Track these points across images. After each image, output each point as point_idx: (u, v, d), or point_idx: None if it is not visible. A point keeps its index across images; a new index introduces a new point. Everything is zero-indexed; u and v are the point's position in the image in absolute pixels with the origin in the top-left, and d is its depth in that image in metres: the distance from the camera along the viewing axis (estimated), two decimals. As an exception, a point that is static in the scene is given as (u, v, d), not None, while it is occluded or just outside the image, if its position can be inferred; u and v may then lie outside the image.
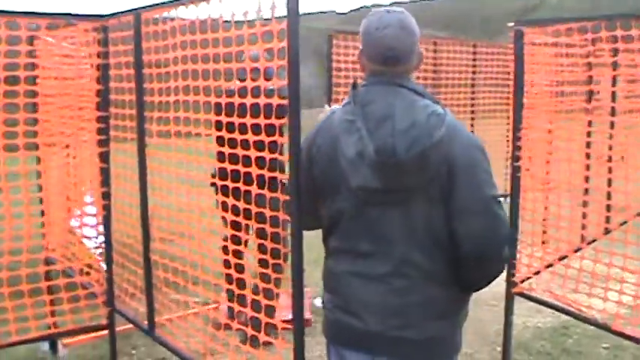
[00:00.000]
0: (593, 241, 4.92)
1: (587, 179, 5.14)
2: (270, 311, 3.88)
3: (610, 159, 5.44)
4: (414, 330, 2.39)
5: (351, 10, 47.10)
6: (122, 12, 3.78)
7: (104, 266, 4.23)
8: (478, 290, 2.51)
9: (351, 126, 2.34)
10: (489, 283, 2.47)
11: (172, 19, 3.37)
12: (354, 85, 2.44)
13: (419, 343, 2.39)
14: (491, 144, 7.54)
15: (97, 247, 4.39)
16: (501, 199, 2.43)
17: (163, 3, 3.36)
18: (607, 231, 5.39)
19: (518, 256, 4.27)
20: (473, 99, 8.34)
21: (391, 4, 47.74)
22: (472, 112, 8.38)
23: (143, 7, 3.55)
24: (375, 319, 2.41)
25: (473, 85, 8.40)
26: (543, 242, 5.32)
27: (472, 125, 8.37)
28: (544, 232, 5.41)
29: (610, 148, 5.40)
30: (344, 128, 2.37)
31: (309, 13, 44.80)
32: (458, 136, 2.32)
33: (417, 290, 2.38)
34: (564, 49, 4.56)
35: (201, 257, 3.60)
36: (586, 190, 5.13)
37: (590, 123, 5.36)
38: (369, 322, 2.42)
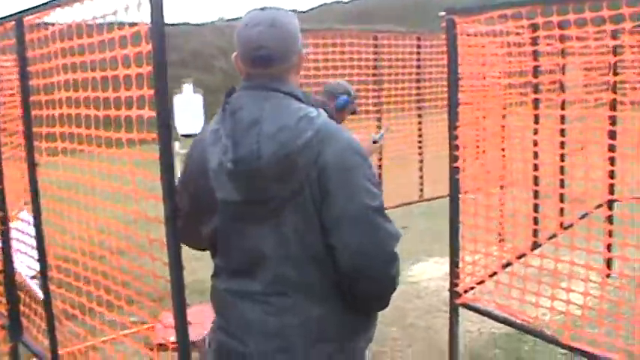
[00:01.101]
0: (554, 236, 4.66)
1: (535, 179, 4.88)
2: None
3: (562, 155, 5.21)
4: (295, 354, 2.19)
5: (312, 8, 46.73)
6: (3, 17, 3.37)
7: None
8: (372, 311, 2.33)
9: (217, 135, 2.19)
10: (380, 303, 2.28)
11: (53, 24, 2.99)
12: (229, 91, 2.26)
13: None
14: (439, 140, 7.23)
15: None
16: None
17: (45, 4, 2.96)
18: (566, 226, 5.14)
19: (460, 264, 3.95)
20: (419, 94, 7.99)
21: (349, 1, 47.58)
22: (418, 107, 8.04)
23: (25, 10, 3.14)
24: (255, 341, 2.22)
25: (418, 80, 8.03)
26: (501, 240, 5.06)
27: (420, 122, 8.05)
28: (500, 233, 5.16)
29: (562, 143, 5.16)
30: (211, 139, 2.20)
31: None
32: (331, 140, 2.12)
33: (296, 310, 2.19)
34: (503, 38, 4.26)
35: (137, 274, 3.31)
36: (535, 190, 4.88)
37: (537, 116, 5.05)
38: (249, 344, 2.23)
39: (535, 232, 4.74)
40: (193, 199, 2.30)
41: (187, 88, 17.35)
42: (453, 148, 3.90)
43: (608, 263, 5.34)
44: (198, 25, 33.26)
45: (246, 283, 2.23)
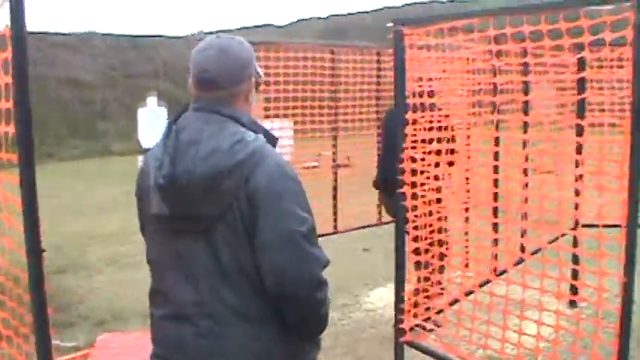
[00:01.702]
0: (519, 262, 4.33)
1: (495, 197, 4.56)
2: None
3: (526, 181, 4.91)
4: None
5: (290, 23, 46.52)
6: None
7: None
8: (304, 336, 2.32)
9: (159, 152, 2.23)
10: (308, 328, 2.29)
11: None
12: (182, 110, 2.34)
13: None
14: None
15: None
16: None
17: None
18: (528, 253, 4.82)
19: (405, 299, 3.60)
20: (378, 112, 7.63)
21: (327, 17, 47.37)
22: (378, 127, 7.69)
23: None
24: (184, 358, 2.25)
25: (378, 98, 7.66)
26: (466, 265, 4.74)
27: (378, 142, 7.70)
28: (467, 260, 4.83)
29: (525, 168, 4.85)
30: (153, 157, 2.25)
31: (246, 27, 44.01)
32: (263, 163, 2.17)
33: (232, 331, 2.21)
34: (454, 53, 3.94)
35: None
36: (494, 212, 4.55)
37: (497, 138, 4.73)
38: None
39: (496, 258, 4.41)
40: (142, 214, 2.39)
41: (152, 100, 16.96)
42: (399, 172, 3.55)
43: (574, 292, 5.06)
44: (171, 37, 32.91)
45: (181, 306, 2.24)
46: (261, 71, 2.45)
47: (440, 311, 3.74)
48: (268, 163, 2.18)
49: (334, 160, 7.38)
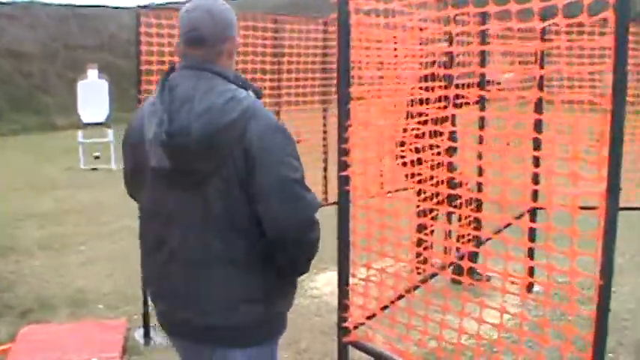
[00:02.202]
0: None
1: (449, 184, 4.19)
2: None
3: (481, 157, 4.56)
4: (218, 317, 2.44)
5: None
6: None
7: None
8: (295, 274, 2.62)
9: (154, 108, 2.40)
10: (303, 266, 2.55)
11: None
12: (170, 69, 2.51)
13: (225, 329, 2.46)
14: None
15: None
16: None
17: None
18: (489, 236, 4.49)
19: (350, 295, 3.20)
20: (325, 85, 7.13)
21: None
22: (324, 101, 7.23)
23: None
24: (181, 306, 2.50)
25: (324, 71, 7.14)
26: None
27: (324, 118, 7.24)
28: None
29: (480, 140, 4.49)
30: (149, 111, 2.43)
31: None
32: (255, 119, 2.35)
33: (217, 275, 2.42)
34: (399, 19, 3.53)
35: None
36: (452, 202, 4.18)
37: (453, 117, 4.35)
38: (176, 309, 2.53)
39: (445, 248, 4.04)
40: (132, 164, 2.60)
41: (92, 73, 16.26)
42: (342, 152, 3.15)
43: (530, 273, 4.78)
44: (116, 8, 31.86)
45: (173, 250, 2.46)
46: (239, 37, 2.64)
47: (385, 307, 3.36)
48: (260, 119, 2.36)
49: None
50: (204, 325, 2.47)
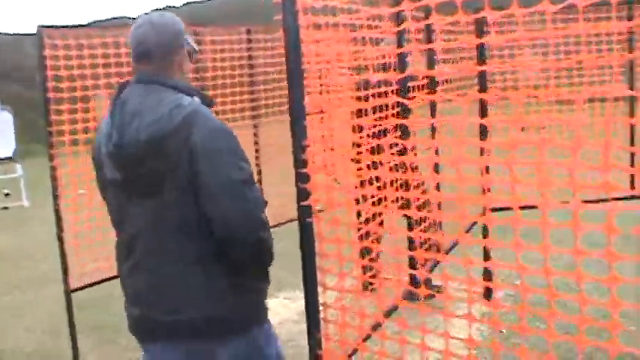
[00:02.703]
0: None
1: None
2: None
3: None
4: (185, 313, 2.53)
5: (185, 3, 44.37)
6: None
7: None
8: (249, 274, 2.60)
9: (107, 124, 2.56)
10: (255, 265, 2.59)
11: None
12: (122, 85, 2.62)
13: (197, 325, 2.53)
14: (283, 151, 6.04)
15: None
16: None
17: None
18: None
19: (323, 326, 2.68)
20: (253, 100, 6.54)
21: (181, 6, 45.23)
22: (254, 117, 6.61)
23: None
24: (148, 307, 2.60)
25: (252, 83, 6.54)
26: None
27: (255, 135, 6.61)
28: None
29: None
30: (104, 129, 2.57)
31: (100, 21, 40.71)
32: (198, 123, 2.44)
33: (178, 276, 2.51)
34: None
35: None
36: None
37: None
38: (148, 311, 2.60)
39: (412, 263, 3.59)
40: (98, 177, 2.72)
41: (-6, 106, 15.23)
42: (300, 164, 2.62)
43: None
44: (15, 35, 30.43)
45: (135, 258, 2.60)
46: (194, 43, 2.71)
47: (367, 336, 2.86)
48: (202, 122, 2.45)
49: None
50: (180, 321, 2.54)
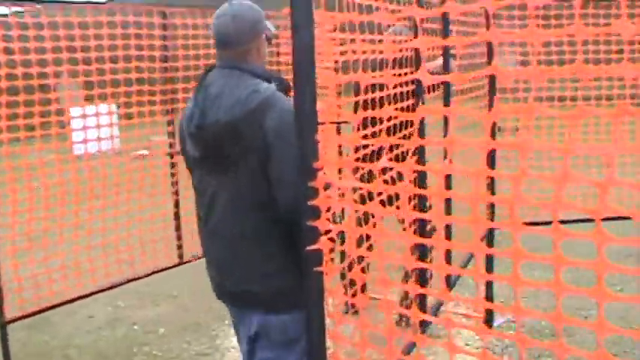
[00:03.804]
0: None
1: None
2: None
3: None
4: (247, 284, 2.72)
5: None
6: None
7: None
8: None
9: (192, 104, 2.75)
10: None
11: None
12: (208, 69, 2.80)
13: (259, 295, 2.70)
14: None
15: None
16: None
17: None
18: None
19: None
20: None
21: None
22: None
23: None
24: (222, 274, 2.81)
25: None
26: None
27: (170, 146, 5.63)
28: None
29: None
30: (189, 107, 2.78)
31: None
32: (273, 108, 2.56)
33: (245, 248, 2.68)
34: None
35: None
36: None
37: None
38: (219, 275, 2.83)
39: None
40: (183, 152, 2.93)
41: None
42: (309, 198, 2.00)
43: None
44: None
45: (210, 224, 2.79)
46: (272, 27, 2.85)
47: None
48: (277, 108, 2.58)
49: (171, 146, 5.57)
50: (240, 291, 2.75)
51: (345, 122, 2.71)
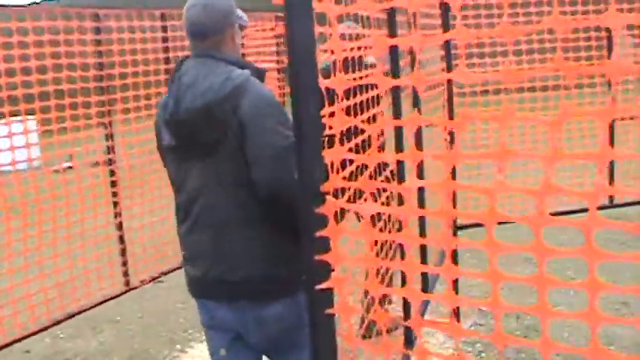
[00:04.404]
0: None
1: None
2: None
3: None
4: (246, 270, 2.64)
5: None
6: None
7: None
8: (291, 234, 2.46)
9: (166, 95, 2.72)
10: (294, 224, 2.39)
11: None
12: (181, 61, 2.77)
13: (249, 284, 2.65)
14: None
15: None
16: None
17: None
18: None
19: None
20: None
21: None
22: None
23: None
24: (212, 266, 2.70)
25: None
26: None
27: (110, 149, 5.07)
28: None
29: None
30: (164, 98, 2.75)
31: None
32: (247, 93, 2.57)
33: (235, 235, 2.65)
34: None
35: None
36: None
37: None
38: (208, 269, 2.72)
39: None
40: (158, 144, 2.85)
41: None
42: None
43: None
44: None
45: (196, 218, 2.71)
46: (244, 15, 2.86)
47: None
48: (251, 92, 2.58)
49: (111, 160, 5.03)
50: (238, 279, 2.66)
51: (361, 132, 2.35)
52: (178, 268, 5.20)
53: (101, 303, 4.75)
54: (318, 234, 1.71)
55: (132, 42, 4.82)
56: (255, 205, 2.59)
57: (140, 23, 4.83)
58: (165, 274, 5.19)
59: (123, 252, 4.91)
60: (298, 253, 2.66)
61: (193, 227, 2.73)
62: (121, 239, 4.88)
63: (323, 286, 1.73)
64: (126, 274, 5.01)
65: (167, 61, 5.00)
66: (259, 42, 6.25)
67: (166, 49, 4.95)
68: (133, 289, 4.96)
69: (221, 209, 2.64)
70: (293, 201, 2.41)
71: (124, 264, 4.97)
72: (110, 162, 4.72)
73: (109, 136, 4.53)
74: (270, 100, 2.65)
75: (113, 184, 4.86)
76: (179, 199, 2.80)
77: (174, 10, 5.08)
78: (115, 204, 4.98)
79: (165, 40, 4.94)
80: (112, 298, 4.75)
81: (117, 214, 4.90)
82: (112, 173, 4.89)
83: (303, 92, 1.67)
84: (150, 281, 4.81)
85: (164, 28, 4.95)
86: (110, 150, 4.58)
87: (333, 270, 1.74)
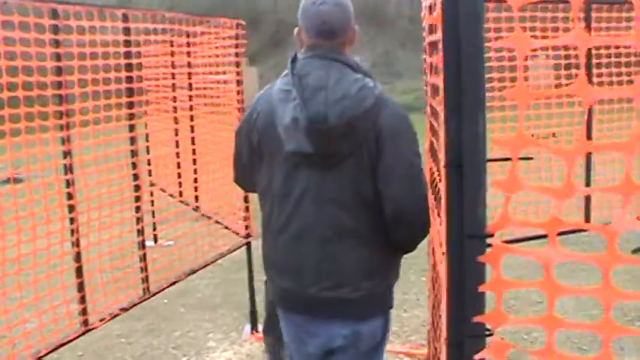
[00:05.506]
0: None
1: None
2: None
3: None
4: (344, 289, 2.58)
5: None
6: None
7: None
8: (406, 252, 2.68)
9: (288, 95, 2.54)
10: (413, 245, 2.62)
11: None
12: (294, 58, 2.60)
13: (352, 301, 2.58)
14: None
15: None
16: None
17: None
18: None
19: None
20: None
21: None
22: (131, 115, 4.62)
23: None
24: (312, 281, 2.61)
25: (129, 79, 4.43)
26: None
27: (133, 148, 4.59)
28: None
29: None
30: (281, 97, 2.58)
31: None
32: (385, 108, 2.54)
33: (348, 250, 2.57)
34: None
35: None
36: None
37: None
38: (305, 284, 2.62)
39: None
40: (256, 145, 2.71)
41: None
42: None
43: None
44: None
45: (294, 228, 2.62)
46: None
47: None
48: (388, 107, 2.55)
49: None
50: (344, 295, 2.57)
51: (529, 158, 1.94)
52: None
53: (62, 345, 4.03)
54: (481, 289, 1.23)
55: (92, 44, 4.16)
56: (373, 222, 2.54)
57: (102, 23, 4.16)
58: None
59: (80, 287, 4.17)
60: (395, 271, 2.72)
61: (295, 240, 2.62)
62: (79, 272, 4.15)
63: (482, 355, 1.25)
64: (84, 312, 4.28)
65: (129, 68, 4.33)
66: (220, 51, 5.72)
67: (128, 54, 4.29)
68: (93, 328, 4.25)
69: (334, 224, 2.55)
70: (419, 220, 2.44)
71: (82, 300, 4.22)
72: (68, 184, 3.94)
73: (67, 154, 3.82)
74: (406, 115, 2.61)
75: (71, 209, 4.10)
76: (279, 208, 2.66)
77: (139, 12, 4.47)
78: (74, 233, 4.26)
79: (127, 43, 4.29)
80: (72, 340, 4.04)
81: (77, 253, 4.16)
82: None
83: (471, 109, 1.22)
84: (110, 319, 4.16)
85: (126, 31, 4.29)
86: (67, 170, 3.85)
87: (492, 334, 1.27)
